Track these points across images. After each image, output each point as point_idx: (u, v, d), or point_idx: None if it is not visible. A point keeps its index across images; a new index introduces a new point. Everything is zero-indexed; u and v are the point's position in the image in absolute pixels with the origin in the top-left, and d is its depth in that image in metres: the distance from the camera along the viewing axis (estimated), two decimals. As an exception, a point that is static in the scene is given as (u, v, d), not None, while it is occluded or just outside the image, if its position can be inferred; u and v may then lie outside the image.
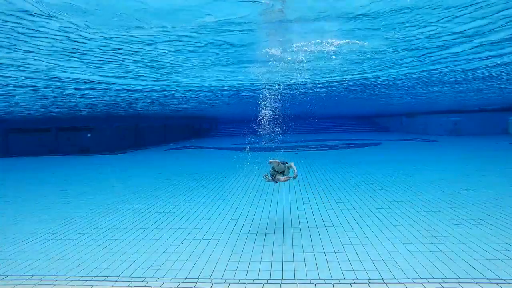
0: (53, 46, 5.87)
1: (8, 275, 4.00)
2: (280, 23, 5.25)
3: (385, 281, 3.57)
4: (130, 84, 10.57)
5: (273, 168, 5.45)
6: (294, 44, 6.63)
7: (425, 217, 5.71)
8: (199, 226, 5.63)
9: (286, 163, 5.52)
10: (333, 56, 7.85)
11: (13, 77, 8.33)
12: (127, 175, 11.64)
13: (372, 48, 7.08)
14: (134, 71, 8.52)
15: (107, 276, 3.89)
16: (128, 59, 7.18)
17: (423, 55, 7.89)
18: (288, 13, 4.77)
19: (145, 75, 9.08)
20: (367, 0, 4.36)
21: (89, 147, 21.83)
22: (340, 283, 3.57)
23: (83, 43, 5.83)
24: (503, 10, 4.87)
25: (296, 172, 5.34)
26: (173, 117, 27.83)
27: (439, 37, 6.26)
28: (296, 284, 3.57)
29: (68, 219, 6.31)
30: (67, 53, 6.44)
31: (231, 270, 3.95)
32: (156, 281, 3.74)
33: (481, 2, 4.52)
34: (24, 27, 4.81)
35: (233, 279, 3.74)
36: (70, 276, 3.93)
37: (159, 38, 5.77)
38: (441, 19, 5.23)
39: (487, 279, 3.55)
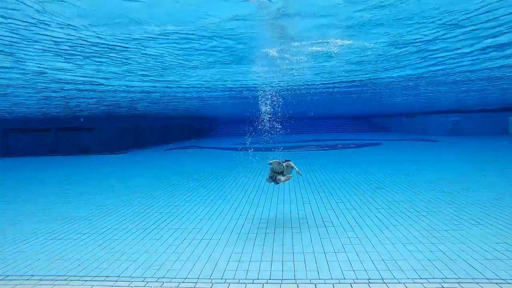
0: (54, 46, 5.87)
1: (8, 275, 4.00)
2: (281, 23, 5.25)
3: (385, 281, 3.57)
4: (132, 85, 10.58)
5: (271, 169, 5.46)
6: (295, 44, 6.62)
7: (425, 217, 5.71)
8: (199, 226, 5.63)
9: (289, 161, 5.52)
10: (335, 56, 7.85)
11: (14, 78, 8.34)
12: (127, 175, 11.64)
13: (375, 48, 7.07)
14: (135, 71, 8.53)
15: (107, 276, 3.89)
16: (130, 59, 7.18)
17: (427, 56, 7.90)
18: (289, 12, 4.77)
19: (146, 75, 9.08)
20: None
21: (89, 147, 21.83)
22: (340, 283, 3.57)
23: (84, 43, 5.83)
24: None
25: (297, 169, 5.40)
26: (174, 117, 27.83)
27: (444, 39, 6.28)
28: (296, 284, 3.57)
29: (68, 219, 6.31)
30: (68, 53, 6.44)
31: (231, 270, 3.95)
32: (156, 281, 3.74)
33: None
34: (25, 28, 4.82)
35: (233, 279, 3.74)
36: (70, 276, 3.93)
37: (160, 38, 5.77)
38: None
39: (487, 279, 3.55)
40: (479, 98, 18.56)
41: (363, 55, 7.80)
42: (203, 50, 6.76)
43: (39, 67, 7.31)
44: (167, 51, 6.69)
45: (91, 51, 6.34)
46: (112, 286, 3.67)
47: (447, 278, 3.59)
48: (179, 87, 11.66)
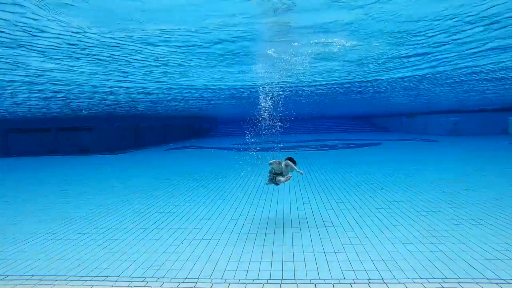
0: (55, 46, 5.87)
1: (8, 275, 4.00)
2: (283, 23, 5.25)
3: (385, 281, 3.57)
4: (133, 86, 10.58)
5: (271, 171, 5.45)
6: (296, 44, 6.62)
7: (425, 217, 5.71)
8: (199, 226, 5.63)
9: (291, 158, 5.50)
10: (337, 57, 7.85)
11: (16, 78, 8.35)
12: (127, 175, 11.64)
13: (379, 48, 7.07)
14: (137, 71, 8.53)
15: (107, 276, 3.89)
16: (131, 59, 7.19)
17: (433, 58, 7.92)
18: (290, 12, 4.77)
19: (148, 75, 9.09)
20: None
21: (89, 147, 21.83)
22: (340, 283, 3.57)
23: (85, 44, 5.83)
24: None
25: (299, 170, 5.36)
26: (174, 117, 27.83)
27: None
28: (296, 284, 3.57)
29: (68, 219, 6.31)
30: (68, 54, 6.44)
31: (231, 270, 3.95)
32: (156, 281, 3.74)
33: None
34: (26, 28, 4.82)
35: (233, 279, 3.74)
36: (70, 276, 3.93)
37: (161, 38, 5.77)
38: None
39: (487, 279, 3.55)
40: (480, 98, 18.57)
41: (366, 56, 7.80)
42: (204, 51, 6.76)
43: (40, 67, 7.31)
44: (169, 51, 6.69)
45: (92, 51, 6.34)
46: (112, 286, 3.67)
47: (447, 278, 3.59)
48: (180, 87, 11.67)
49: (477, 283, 3.47)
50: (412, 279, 3.60)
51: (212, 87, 12.08)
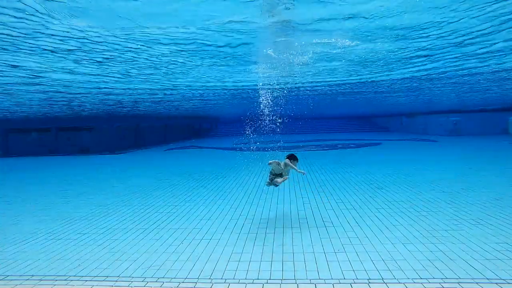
0: (56, 46, 5.87)
1: (8, 275, 4.01)
2: (283, 23, 5.25)
3: (385, 281, 3.57)
4: (135, 87, 10.59)
5: (271, 171, 5.44)
6: (297, 44, 6.62)
7: (425, 217, 5.71)
8: (199, 226, 5.63)
9: (293, 155, 5.48)
10: (338, 57, 7.84)
11: (16, 79, 8.35)
12: (127, 175, 11.64)
13: (381, 48, 7.07)
14: (138, 72, 8.53)
15: (107, 276, 3.89)
16: (132, 59, 7.19)
17: (433, 57, 7.91)
18: (291, 12, 4.77)
19: (149, 75, 9.09)
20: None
21: (89, 147, 21.83)
22: (340, 283, 3.57)
23: (86, 44, 5.83)
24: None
25: (299, 170, 5.35)
26: (175, 117, 27.83)
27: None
28: (296, 284, 3.57)
29: (68, 219, 6.31)
30: (69, 54, 6.44)
31: (231, 270, 3.95)
32: (156, 281, 3.74)
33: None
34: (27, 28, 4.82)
35: (233, 279, 3.74)
36: (70, 276, 3.93)
37: (162, 38, 5.77)
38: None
39: (487, 279, 3.54)
40: (482, 98, 18.55)
41: (368, 56, 7.80)
42: (206, 51, 6.77)
43: (41, 67, 7.31)
44: (170, 52, 6.69)
45: (93, 51, 6.34)
46: (112, 286, 3.67)
47: (447, 278, 3.59)
48: (182, 88, 11.67)
49: (477, 283, 3.47)
50: (412, 279, 3.60)
51: (212, 87, 12.08)
